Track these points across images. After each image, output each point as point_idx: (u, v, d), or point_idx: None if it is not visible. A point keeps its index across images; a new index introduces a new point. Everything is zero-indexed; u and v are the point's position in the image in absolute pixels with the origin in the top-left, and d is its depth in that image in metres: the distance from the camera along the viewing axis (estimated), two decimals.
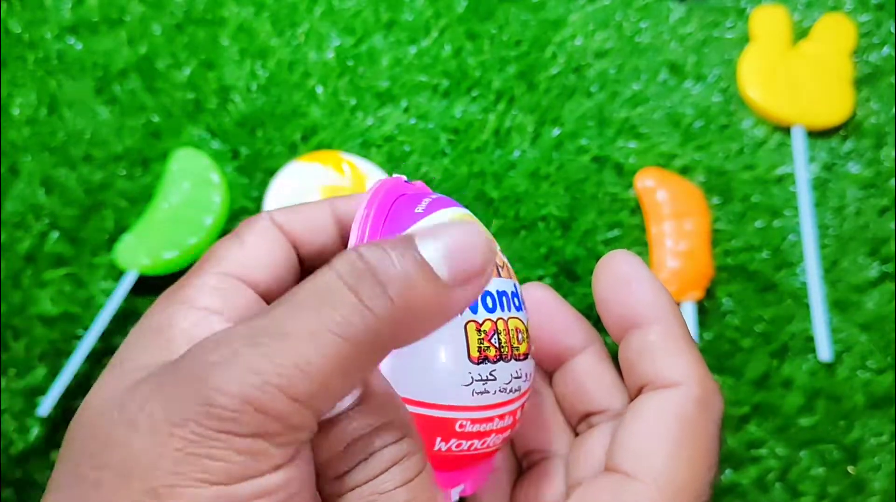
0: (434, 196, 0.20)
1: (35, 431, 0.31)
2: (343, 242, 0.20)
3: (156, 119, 0.37)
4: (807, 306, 0.37)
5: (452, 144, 0.39)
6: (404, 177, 0.21)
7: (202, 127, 0.38)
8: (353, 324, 0.13)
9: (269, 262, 0.18)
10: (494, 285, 0.19)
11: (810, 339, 0.37)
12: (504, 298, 0.19)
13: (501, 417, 0.19)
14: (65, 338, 0.33)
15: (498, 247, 0.19)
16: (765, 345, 0.37)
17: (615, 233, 0.38)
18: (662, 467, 0.16)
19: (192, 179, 0.35)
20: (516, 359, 0.19)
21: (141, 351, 0.16)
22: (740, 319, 0.37)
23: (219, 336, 0.13)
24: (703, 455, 0.16)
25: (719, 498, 0.34)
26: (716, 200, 0.39)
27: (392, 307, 0.13)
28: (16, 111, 0.37)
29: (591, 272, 0.37)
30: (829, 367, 0.37)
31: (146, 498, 0.13)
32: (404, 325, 0.14)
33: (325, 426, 0.14)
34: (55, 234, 0.35)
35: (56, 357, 0.33)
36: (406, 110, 0.40)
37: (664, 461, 0.16)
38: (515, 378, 0.19)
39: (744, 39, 0.43)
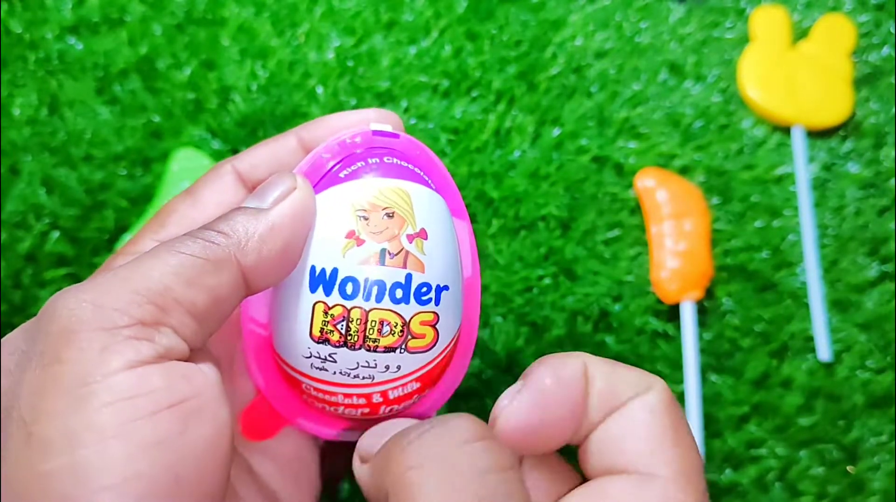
0: (387, 162, 0.21)
1: None
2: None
3: (156, 119, 0.37)
4: (806, 306, 0.37)
5: (452, 144, 0.39)
6: (387, 128, 0.22)
7: (203, 127, 0.38)
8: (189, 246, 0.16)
9: None
10: (366, 273, 0.19)
11: (810, 339, 0.37)
12: (377, 288, 0.19)
13: (347, 396, 0.19)
14: None
15: (401, 232, 0.19)
16: (764, 344, 0.37)
17: (615, 233, 0.38)
18: (673, 456, 0.16)
19: (192, 179, 0.35)
20: (369, 350, 0.19)
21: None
22: (740, 319, 0.37)
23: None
24: (691, 438, 0.17)
25: (719, 498, 0.34)
26: (715, 200, 0.39)
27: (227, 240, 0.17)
28: (16, 111, 0.37)
29: (591, 271, 0.38)
30: (829, 367, 0.37)
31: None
32: (238, 246, 0.17)
33: None
34: (56, 234, 0.35)
35: None
36: (406, 110, 0.40)
37: (672, 450, 0.16)
38: (364, 366, 0.19)
39: (743, 40, 0.43)
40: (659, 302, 0.37)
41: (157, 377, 0.15)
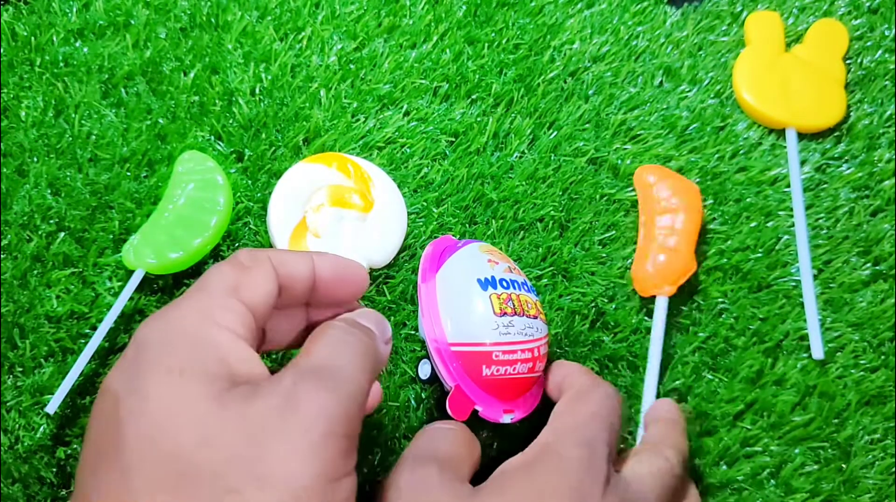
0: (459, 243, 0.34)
1: (42, 429, 0.32)
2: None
3: (161, 122, 0.38)
4: (800, 305, 0.38)
5: (452, 147, 0.40)
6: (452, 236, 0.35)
7: (207, 129, 0.38)
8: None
9: (266, 293, 0.21)
10: (507, 276, 0.32)
11: (804, 338, 0.37)
12: (515, 284, 0.32)
13: (523, 351, 0.31)
14: (72, 337, 0.34)
15: (512, 263, 0.34)
16: (758, 343, 0.37)
17: (611, 233, 0.39)
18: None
19: (197, 181, 0.36)
20: (527, 316, 0.31)
21: (183, 353, 0.19)
22: (734, 318, 0.38)
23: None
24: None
25: (714, 495, 0.34)
26: (710, 201, 0.40)
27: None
28: (23, 114, 0.37)
29: (587, 272, 0.38)
30: (823, 366, 0.37)
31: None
32: (373, 367, 0.22)
33: None
34: (62, 235, 0.35)
35: (63, 356, 0.33)
36: (407, 113, 0.40)
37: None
38: (528, 327, 0.31)
39: (738, 44, 0.44)
40: (650, 300, 0.38)
41: None
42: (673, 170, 0.40)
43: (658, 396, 0.35)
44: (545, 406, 0.34)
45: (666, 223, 0.37)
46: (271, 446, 0.16)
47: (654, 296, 0.37)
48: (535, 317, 0.32)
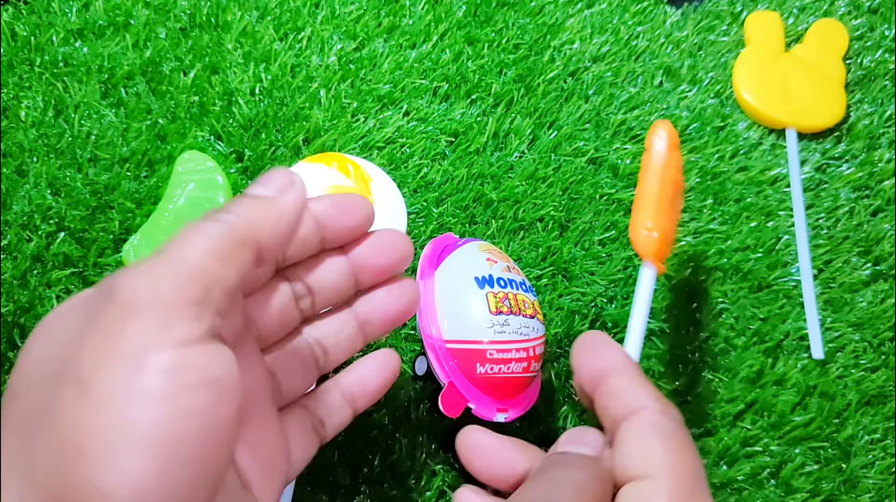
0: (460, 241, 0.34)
1: None
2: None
3: (161, 122, 0.38)
4: (800, 305, 0.38)
5: (452, 147, 0.40)
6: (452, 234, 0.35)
7: (207, 129, 0.38)
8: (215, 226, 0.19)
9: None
10: (505, 275, 0.32)
11: (804, 338, 0.37)
12: (513, 283, 0.32)
13: (518, 351, 0.31)
14: None
15: (511, 261, 0.34)
16: (759, 343, 0.37)
17: (611, 233, 0.39)
18: (662, 459, 0.19)
19: (197, 181, 0.36)
20: (523, 316, 0.31)
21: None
22: (734, 318, 0.38)
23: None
24: (688, 444, 0.20)
25: (714, 495, 0.34)
26: (710, 201, 0.40)
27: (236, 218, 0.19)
28: (23, 114, 0.37)
29: (587, 271, 0.38)
30: (823, 366, 0.37)
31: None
32: (255, 226, 0.19)
33: None
34: (62, 235, 0.35)
35: None
36: (406, 113, 0.40)
37: (662, 454, 0.19)
38: (524, 327, 0.31)
39: (738, 44, 0.44)
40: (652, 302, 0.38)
41: (201, 356, 0.17)
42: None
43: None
44: (540, 405, 0.34)
45: (675, 191, 0.33)
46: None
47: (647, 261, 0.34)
48: (532, 317, 0.32)
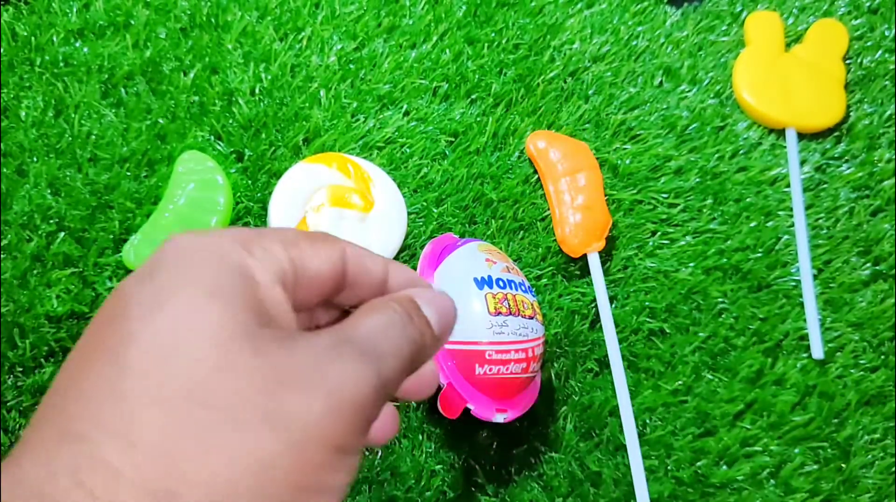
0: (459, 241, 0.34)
1: None
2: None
3: (161, 122, 0.38)
4: (800, 305, 0.38)
5: (452, 147, 0.40)
6: (452, 234, 0.35)
7: (207, 129, 0.38)
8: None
9: (321, 265, 0.19)
10: (504, 276, 0.32)
11: (804, 338, 0.37)
12: (512, 284, 0.32)
13: (517, 351, 0.31)
14: (72, 337, 0.34)
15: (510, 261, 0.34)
16: (758, 343, 0.37)
17: (611, 233, 0.39)
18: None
19: (197, 181, 0.36)
20: (522, 317, 0.31)
21: (213, 275, 0.17)
22: (734, 318, 0.38)
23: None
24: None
25: (714, 494, 0.34)
26: (710, 201, 0.40)
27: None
28: (23, 114, 0.37)
29: (587, 271, 0.38)
30: (822, 365, 0.37)
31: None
32: (415, 362, 0.18)
33: None
34: (62, 235, 0.35)
35: (63, 355, 0.33)
36: (406, 113, 0.40)
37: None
38: (523, 328, 0.31)
39: (738, 44, 0.44)
40: (650, 300, 0.38)
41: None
42: (672, 169, 0.40)
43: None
44: (539, 405, 0.34)
45: (569, 184, 0.38)
46: (291, 397, 0.15)
47: (585, 256, 0.37)
48: (531, 318, 0.32)
